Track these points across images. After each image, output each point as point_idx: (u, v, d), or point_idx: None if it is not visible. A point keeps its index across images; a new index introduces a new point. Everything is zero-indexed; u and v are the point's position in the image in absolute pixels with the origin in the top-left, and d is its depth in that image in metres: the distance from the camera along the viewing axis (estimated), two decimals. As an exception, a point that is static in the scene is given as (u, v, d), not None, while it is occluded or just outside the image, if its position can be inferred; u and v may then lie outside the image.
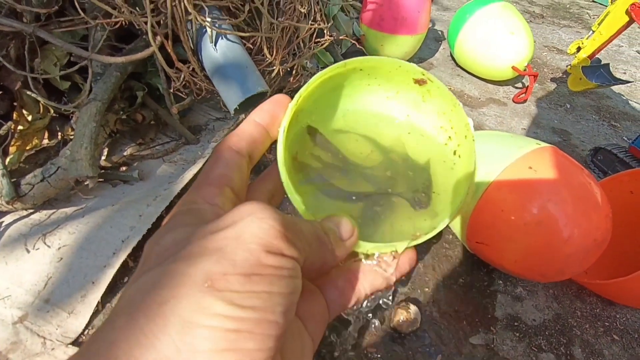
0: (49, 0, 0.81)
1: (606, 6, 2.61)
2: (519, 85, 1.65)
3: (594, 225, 0.76)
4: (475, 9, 1.54)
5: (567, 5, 2.63)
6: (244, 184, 0.23)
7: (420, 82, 0.28)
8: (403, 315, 0.80)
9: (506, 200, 0.78)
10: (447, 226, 0.88)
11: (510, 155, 0.81)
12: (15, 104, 1.02)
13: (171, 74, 0.85)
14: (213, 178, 0.21)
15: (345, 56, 1.51)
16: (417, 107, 0.30)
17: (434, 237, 0.24)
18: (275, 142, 0.24)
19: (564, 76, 1.75)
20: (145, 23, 0.79)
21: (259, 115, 0.24)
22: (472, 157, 0.26)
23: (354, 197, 0.27)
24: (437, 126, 0.30)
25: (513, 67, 1.46)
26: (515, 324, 0.84)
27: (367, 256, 0.24)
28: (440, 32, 2.00)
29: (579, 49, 1.44)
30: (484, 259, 0.88)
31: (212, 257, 0.16)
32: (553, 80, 1.74)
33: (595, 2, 2.73)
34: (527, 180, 0.77)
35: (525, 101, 1.53)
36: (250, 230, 0.17)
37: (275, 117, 0.24)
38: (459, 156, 0.28)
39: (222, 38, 0.90)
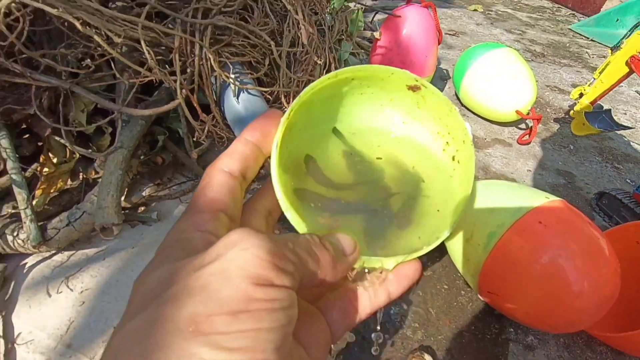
0: (82, 58, 0.86)
1: (605, 45, 2.70)
2: (523, 126, 1.70)
3: (603, 280, 0.78)
4: (479, 53, 1.61)
5: (567, 44, 2.72)
6: (238, 207, 0.22)
7: (414, 88, 0.27)
8: (417, 365, 0.81)
9: (518, 253, 0.81)
10: (459, 273, 0.90)
11: (520, 209, 0.84)
12: (40, 144, 1.06)
13: (195, 126, 0.90)
14: (204, 203, 0.20)
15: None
16: (412, 113, 0.29)
17: (437, 248, 0.24)
18: (269, 159, 0.23)
19: (567, 116, 1.80)
20: (175, 81, 0.84)
21: (250, 132, 0.23)
22: (471, 162, 0.26)
23: (353, 212, 0.26)
24: (434, 132, 0.29)
25: (517, 112, 1.51)
26: (528, 374, 0.86)
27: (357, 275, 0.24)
28: (445, 71, 2.07)
29: (581, 95, 1.49)
30: (496, 308, 0.90)
31: (197, 298, 0.15)
32: (556, 120, 1.79)
33: (594, 41, 2.82)
34: (538, 234, 0.80)
35: (529, 143, 1.57)
36: (235, 263, 0.16)
37: (267, 134, 0.23)
38: (458, 162, 0.28)
39: (243, 91, 0.95)
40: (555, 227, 0.81)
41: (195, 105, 0.90)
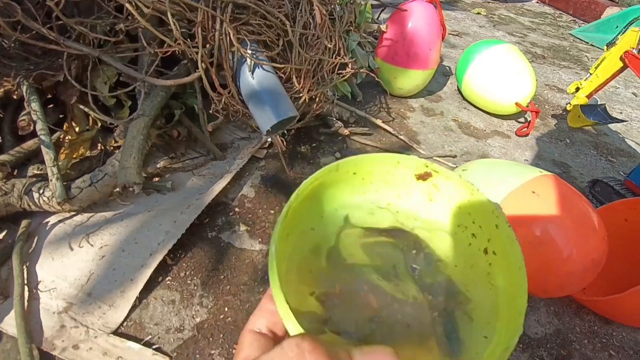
0: (110, 29, 0.92)
1: (603, 50, 2.78)
2: (522, 119, 1.77)
3: (591, 246, 0.83)
4: (482, 49, 1.67)
5: (567, 48, 2.80)
6: None
7: (424, 177, 0.24)
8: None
9: (511, 221, 0.86)
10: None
11: (515, 181, 0.90)
12: (62, 116, 1.12)
13: (213, 97, 0.96)
14: None
15: (360, 86, 1.62)
16: (424, 210, 0.26)
17: None
18: None
19: (564, 113, 1.87)
20: (197, 53, 0.90)
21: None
22: (512, 247, 0.22)
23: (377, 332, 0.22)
24: (454, 226, 0.25)
25: (516, 104, 1.58)
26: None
27: None
28: (447, 68, 2.14)
29: (577, 89, 1.55)
30: (490, 275, 0.96)
31: None
32: (554, 116, 1.86)
33: (593, 45, 2.90)
34: (531, 203, 0.86)
35: (527, 135, 1.63)
36: None
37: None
38: (494, 252, 0.23)
39: (258, 68, 1.01)
40: (548, 198, 0.86)
41: (214, 77, 0.96)
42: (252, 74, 1.01)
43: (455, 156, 1.43)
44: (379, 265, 0.24)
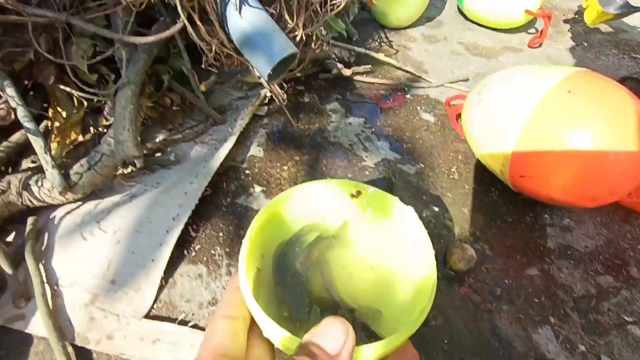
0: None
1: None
2: (532, 31, 1.63)
3: (639, 142, 0.76)
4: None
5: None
6: (240, 347, 0.23)
7: (356, 195, 0.31)
8: (458, 254, 0.81)
9: (548, 127, 0.78)
10: (486, 173, 0.87)
11: (547, 83, 0.81)
12: (45, 105, 1.04)
13: (203, 46, 0.86)
14: (206, 352, 0.22)
15: (355, 25, 1.49)
16: (357, 220, 0.31)
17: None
18: None
19: (577, 17, 1.73)
20: (174, -1, 0.80)
21: (236, 281, 0.25)
22: (425, 241, 0.27)
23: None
24: (387, 230, 0.30)
25: (526, 11, 1.44)
26: (568, 252, 0.85)
27: None
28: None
29: (591, -18, 1.41)
30: (529, 193, 0.88)
31: None
32: (566, 21, 1.72)
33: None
34: (568, 104, 0.77)
35: (541, 45, 1.51)
36: None
37: None
38: (413, 244, 0.29)
39: (245, 5, 0.90)
40: (586, 95, 0.77)
41: (198, 23, 0.86)
42: (240, 13, 0.90)
43: (467, 79, 1.32)
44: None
